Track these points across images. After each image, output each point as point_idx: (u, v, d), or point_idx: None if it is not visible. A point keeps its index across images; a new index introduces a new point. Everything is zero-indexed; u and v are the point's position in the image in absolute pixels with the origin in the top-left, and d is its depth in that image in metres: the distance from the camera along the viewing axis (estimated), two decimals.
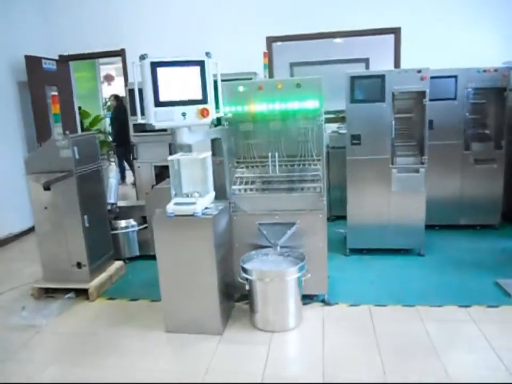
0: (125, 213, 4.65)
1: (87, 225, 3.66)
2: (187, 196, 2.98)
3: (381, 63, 6.67)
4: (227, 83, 3.19)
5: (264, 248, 3.26)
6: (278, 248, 3.21)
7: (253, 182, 3.38)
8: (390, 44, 6.14)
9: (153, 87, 2.77)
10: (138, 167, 5.65)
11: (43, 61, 5.66)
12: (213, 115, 2.92)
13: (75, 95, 6.70)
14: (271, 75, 5.86)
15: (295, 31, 5.79)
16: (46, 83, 5.73)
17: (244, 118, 3.30)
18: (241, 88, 3.14)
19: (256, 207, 3.29)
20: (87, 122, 9.71)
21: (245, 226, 3.30)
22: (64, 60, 6.17)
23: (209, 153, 3.05)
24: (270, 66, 5.73)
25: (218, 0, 5.88)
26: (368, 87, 3.99)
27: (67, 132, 3.54)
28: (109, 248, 4.12)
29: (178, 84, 2.82)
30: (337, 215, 5.36)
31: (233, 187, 3.34)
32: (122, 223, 4.51)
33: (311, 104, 3.05)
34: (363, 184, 4.21)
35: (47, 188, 3.51)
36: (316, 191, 3.24)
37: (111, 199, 4.45)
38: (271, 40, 5.83)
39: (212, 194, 3.13)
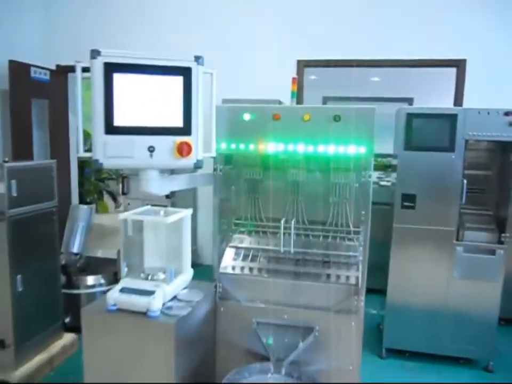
0: (94, 266, 3.58)
1: (19, 289, 2.59)
2: (146, 277, 1.88)
3: (429, 105, 5.58)
4: (227, 106, 2.14)
5: (261, 362, 2.11)
6: (283, 369, 2.05)
7: (254, 257, 2.26)
8: (439, 82, 5.08)
9: (105, 102, 1.74)
10: (128, 204, 4.63)
11: (32, 69, 4.81)
12: (198, 154, 1.86)
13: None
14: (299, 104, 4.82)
15: (332, 55, 4.77)
16: (34, 95, 4.85)
17: (250, 161, 2.22)
18: (247, 116, 2.07)
19: (255, 296, 2.16)
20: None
21: (236, 324, 2.17)
22: (61, 71, 5.31)
23: (187, 212, 1.96)
24: (299, 96, 4.70)
25: (240, 12, 4.94)
26: (431, 130, 2.87)
27: (6, 159, 2.54)
28: (57, 317, 3.03)
29: (146, 100, 1.78)
30: (369, 287, 4.14)
31: (225, 262, 2.23)
32: (89, 279, 3.44)
33: (355, 148, 1.95)
34: (413, 261, 3.03)
35: None
36: (349, 283, 2.09)
37: (73, 248, 3.40)
38: (302, 65, 4.82)
39: (188, 274, 2.02)
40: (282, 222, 2.12)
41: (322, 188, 2.20)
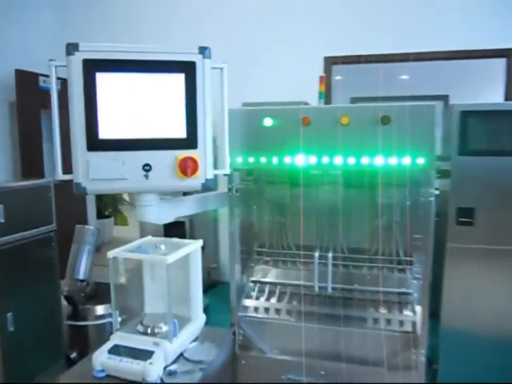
0: (104, 293, 3.21)
1: (10, 329, 2.24)
2: (144, 330, 1.48)
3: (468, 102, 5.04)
4: (243, 110, 1.73)
5: None
6: None
7: (282, 295, 1.83)
8: (478, 76, 4.54)
9: (86, 110, 1.36)
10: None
11: (41, 78, 4.53)
12: (207, 172, 1.46)
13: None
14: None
15: (362, 50, 4.30)
16: (43, 106, 4.57)
17: (273, 177, 1.80)
18: (268, 121, 1.64)
19: (283, 345, 1.73)
20: None
21: (261, 381, 1.74)
22: None
23: (196, 244, 1.54)
24: (327, 96, 4.25)
25: (261, 4, 4.52)
26: (493, 130, 2.37)
27: None
28: (59, 354, 2.68)
29: (139, 106, 1.39)
30: None
31: (246, 301, 1.81)
32: (97, 309, 3.07)
33: (409, 158, 1.50)
34: (473, 285, 2.51)
35: None
36: (403, 330, 1.64)
37: (79, 274, 3.04)
38: (330, 62, 4.37)
39: (198, 322, 1.61)
40: (316, 254, 1.69)
41: (365, 208, 1.75)
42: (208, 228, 4.23)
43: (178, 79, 1.40)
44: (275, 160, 1.62)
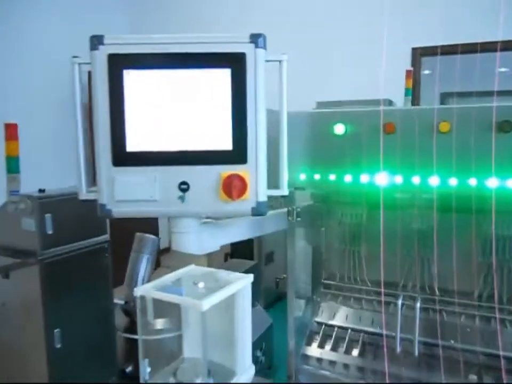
0: (163, 305, 3.05)
1: (57, 345, 2.12)
2: None
3: None
4: (306, 113, 1.38)
5: None
6: None
7: (352, 344, 1.46)
8: None
9: (112, 116, 1.11)
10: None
11: None
12: (259, 193, 1.15)
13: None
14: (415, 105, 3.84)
15: (456, 39, 3.71)
16: None
17: (347, 197, 1.44)
18: (340, 128, 1.28)
19: None
20: None
21: None
22: None
23: (243, 281, 1.23)
24: (414, 93, 3.73)
25: None
26: None
27: (42, 188, 2.09)
28: (112, 369, 2.55)
29: (174, 111, 1.12)
30: None
31: (307, 349, 1.47)
32: (156, 323, 2.91)
33: None
34: None
35: (4, 275, 2.11)
36: None
37: (137, 284, 2.90)
38: (419, 53, 3.83)
39: (246, 377, 1.30)
40: (399, 302, 1.30)
41: (470, 240, 1.32)
42: (278, 233, 3.89)
43: (223, 76, 1.10)
44: (348, 178, 1.26)
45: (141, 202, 1.14)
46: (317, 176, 1.29)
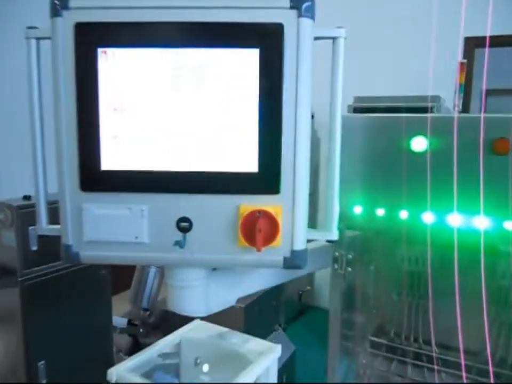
0: (171, 323, 2.71)
1: (43, 381, 1.79)
2: None
3: None
4: (366, 118, 0.97)
5: None
6: None
7: None
8: None
9: (80, 119, 0.74)
10: None
11: None
12: (296, 238, 0.76)
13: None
14: (466, 104, 3.36)
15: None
16: None
17: (412, 236, 1.03)
18: (420, 143, 0.88)
19: None
20: None
21: None
22: None
23: (268, 360, 0.85)
24: (467, 88, 3.26)
25: None
26: None
27: (27, 195, 1.75)
28: None
29: (171, 112, 0.74)
30: None
31: None
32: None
33: None
34: None
35: None
36: None
37: (142, 302, 2.56)
38: (473, 44, 3.34)
39: None
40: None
41: None
42: None
43: (248, 60, 0.71)
44: (429, 216, 0.85)
45: (122, 244, 0.77)
46: (380, 212, 0.89)
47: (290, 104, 0.73)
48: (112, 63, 0.72)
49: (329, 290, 1.03)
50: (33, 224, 1.71)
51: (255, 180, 0.74)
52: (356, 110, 1.69)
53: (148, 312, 2.67)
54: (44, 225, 0.83)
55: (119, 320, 2.53)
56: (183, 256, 0.77)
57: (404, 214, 0.86)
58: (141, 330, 2.51)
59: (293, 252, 0.77)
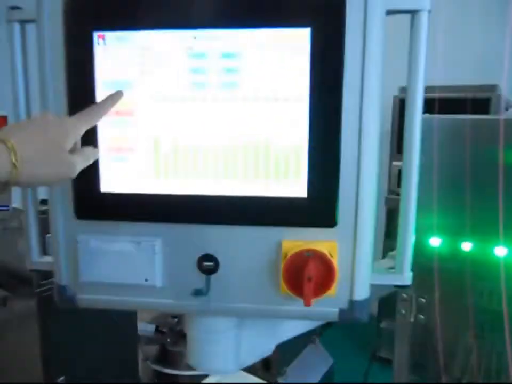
0: None
1: None
2: None
3: None
4: (454, 119, 0.75)
5: None
6: None
7: None
8: None
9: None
10: None
11: None
12: (357, 285, 0.57)
13: None
14: None
15: None
16: None
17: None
18: None
19: None
20: None
21: None
22: None
23: None
24: None
25: None
26: None
27: (45, 199, 1.61)
28: None
29: (193, 115, 0.56)
30: None
31: None
32: None
33: None
34: None
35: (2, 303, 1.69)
36: None
37: None
38: None
39: None
40: None
41: None
42: None
43: (296, 42, 0.51)
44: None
45: (128, 288, 0.60)
46: (467, 246, 0.67)
47: (352, 103, 0.52)
48: (113, 51, 0.54)
49: (394, 341, 0.82)
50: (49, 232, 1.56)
51: (304, 207, 0.55)
52: (404, 102, 1.46)
53: (176, 319, 2.52)
54: (35, 257, 0.66)
55: (145, 327, 2.40)
56: (206, 304, 0.59)
57: (501, 251, 0.64)
58: (168, 340, 2.36)
59: (352, 303, 0.57)
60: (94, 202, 0.58)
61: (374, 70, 0.52)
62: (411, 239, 0.59)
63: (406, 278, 0.60)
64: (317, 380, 2.27)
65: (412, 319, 0.73)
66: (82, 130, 0.50)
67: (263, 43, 0.52)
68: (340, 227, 0.55)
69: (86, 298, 0.62)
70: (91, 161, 0.53)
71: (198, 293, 0.57)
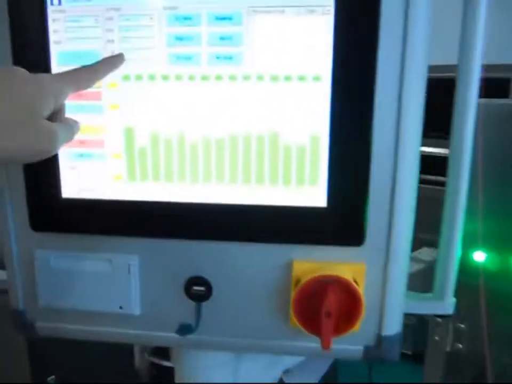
0: None
1: None
2: None
3: None
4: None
5: None
6: None
7: None
8: None
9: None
10: None
11: None
12: (391, 318, 0.44)
13: None
14: None
15: None
16: None
17: None
18: None
19: None
20: None
21: None
22: None
23: None
24: None
25: None
26: None
27: None
28: None
29: (186, 100, 0.43)
30: None
31: None
32: None
33: None
34: None
35: None
36: None
37: None
38: None
39: None
40: None
41: None
42: None
43: (317, 29, 0.38)
44: None
45: (99, 316, 0.48)
46: None
47: (389, 80, 0.39)
48: (71, 14, 0.41)
49: (424, 371, 0.70)
50: None
51: (322, 220, 0.42)
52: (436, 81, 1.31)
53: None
54: None
55: None
56: (196, 337, 0.46)
57: None
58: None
59: (381, 338, 0.45)
60: (53, 211, 0.46)
61: (419, 35, 0.39)
62: (456, 253, 0.47)
63: (448, 305, 0.48)
64: (317, 379, 2.18)
65: (448, 348, 0.61)
66: (65, 94, 0.37)
67: (271, 24, 0.39)
68: (369, 245, 0.43)
69: (48, 327, 0.50)
70: (75, 136, 0.40)
71: (184, 330, 0.44)
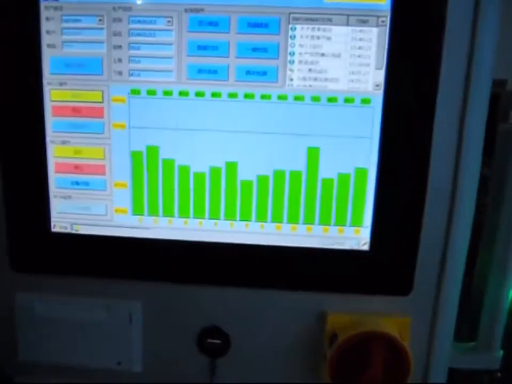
0: None
1: None
2: None
3: None
4: None
5: None
6: None
7: None
8: None
9: (6, 121, 0.37)
10: None
11: None
12: (437, 373, 0.39)
13: None
14: None
15: None
16: None
17: None
18: None
19: None
20: None
21: None
22: None
23: None
24: None
25: None
26: None
27: None
28: None
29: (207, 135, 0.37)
30: None
31: None
32: None
33: None
34: None
35: None
36: None
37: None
38: None
39: None
40: None
41: None
42: None
43: (367, 45, 0.32)
44: None
45: (93, 373, 0.40)
46: None
47: (450, 101, 0.33)
48: (70, 19, 0.34)
49: None
50: None
51: (364, 265, 0.36)
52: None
53: None
54: None
55: None
56: None
57: None
58: None
59: None
60: (40, 248, 0.38)
61: (487, 52, 0.33)
62: (507, 300, 0.41)
63: (495, 358, 0.42)
64: None
65: None
66: None
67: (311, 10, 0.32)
68: (416, 294, 0.37)
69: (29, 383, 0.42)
70: None
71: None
